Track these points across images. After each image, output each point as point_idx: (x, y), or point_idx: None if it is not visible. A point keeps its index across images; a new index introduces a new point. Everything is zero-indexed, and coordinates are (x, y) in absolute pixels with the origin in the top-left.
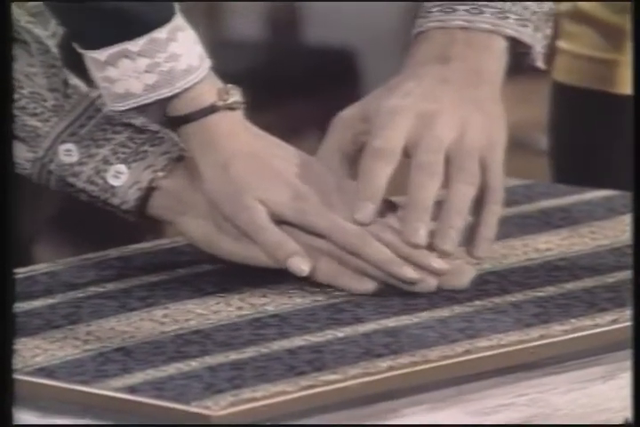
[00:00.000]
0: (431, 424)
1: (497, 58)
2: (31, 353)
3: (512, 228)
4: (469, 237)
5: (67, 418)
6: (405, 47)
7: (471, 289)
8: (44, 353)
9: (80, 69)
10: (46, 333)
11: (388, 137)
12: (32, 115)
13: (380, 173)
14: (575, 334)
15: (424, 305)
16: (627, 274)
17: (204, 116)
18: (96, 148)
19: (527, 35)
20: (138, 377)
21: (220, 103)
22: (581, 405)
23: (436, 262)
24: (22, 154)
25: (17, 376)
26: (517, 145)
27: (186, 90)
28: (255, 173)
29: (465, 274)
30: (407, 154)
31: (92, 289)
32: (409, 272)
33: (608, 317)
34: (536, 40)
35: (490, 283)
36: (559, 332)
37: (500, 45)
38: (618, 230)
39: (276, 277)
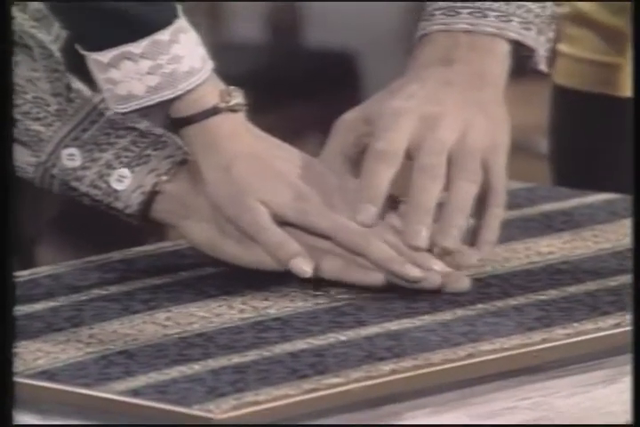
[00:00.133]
0: (433, 425)
1: (500, 61)
2: (33, 356)
3: (514, 231)
4: (472, 240)
5: (69, 421)
6: (406, 50)
7: (473, 292)
8: (47, 356)
9: (83, 72)
10: (48, 335)
11: (391, 139)
12: (35, 119)
13: (383, 176)
14: (578, 338)
15: (426, 308)
16: (629, 278)
17: (207, 118)
18: (99, 152)
19: (531, 38)
20: (141, 380)
21: (223, 105)
22: (584, 408)
23: (437, 265)
24: (25, 158)
25: (19, 379)
26: (518, 148)
27: (188, 92)
28: (257, 175)
29: (465, 277)
30: (410, 156)
31: (95, 292)
32: (411, 271)
33: (610, 320)
34: (539, 43)
35: (492, 286)
36: (562, 336)
37: (504, 49)
38: (620, 234)
39: (278, 279)
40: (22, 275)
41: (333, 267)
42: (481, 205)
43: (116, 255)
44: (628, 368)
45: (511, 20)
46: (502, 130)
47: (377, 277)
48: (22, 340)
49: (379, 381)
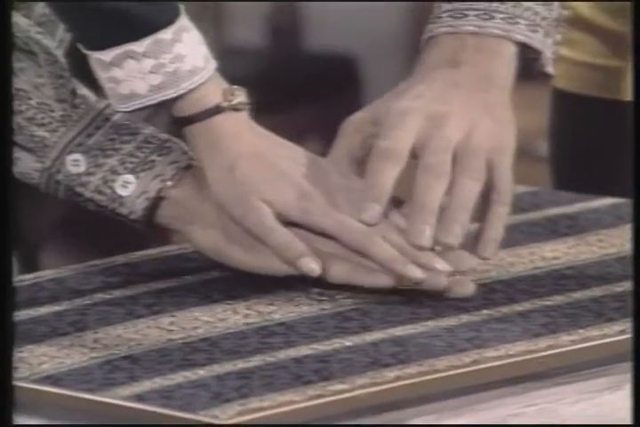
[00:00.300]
0: (435, 425)
1: (507, 63)
2: (38, 361)
3: (519, 236)
4: (476, 239)
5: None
6: (406, 53)
7: (478, 298)
8: (51, 361)
9: (87, 78)
10: (53, 340)
11: (397, 138)
12: (40, 125)
13: (387, 175)
14: (583, 345)
15: (431, 314)
16: None
17: (209, 117)
18: (104, 158)
19: (537, 40)
20: (145, 386)
21: (225, 104)
22: (590, 415)
23: (440, 264)
24: (30, 164)
25: (24, 384)
26: (518, 152)
27: (191, 91)
28: (261, 174)
29: (469, 283)
30: (415, 155)
31: (99, 296)
32: (414, 271)
33: (616, 327)
34: (546, 46)
35: (497, 292)
36: (567, 342)
37: (510, 51)
38: (625, 239)
39: (283, 284)
40: (26, 278)
41: (340, 270)
42: (485, 205)
43: (120, 259)
44: None
45: (518, 23)
46: (508, 132)
47: (384, 280)
48: (27, 344)
49: (384, 387)
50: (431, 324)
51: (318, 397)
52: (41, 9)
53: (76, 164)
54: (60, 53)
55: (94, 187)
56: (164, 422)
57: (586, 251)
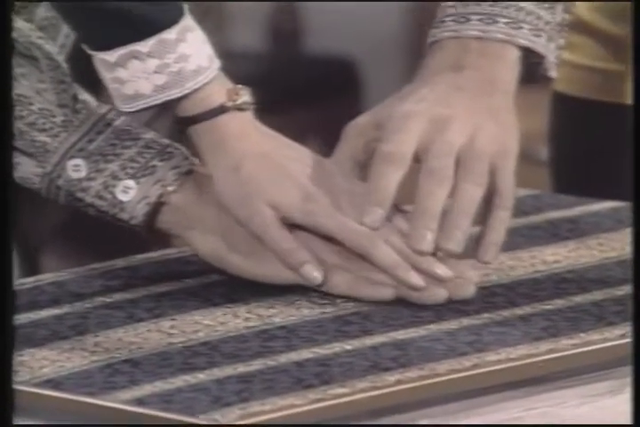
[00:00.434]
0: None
1: (510, 68)
2: (38, 364)
3: (519, 239)
4: (477, 243)
5: None
6: (406, 57)
7: (479, 301)
8: (52, 364)
9: (88, 81)
10: (53, 343)
11: (400, 141)
12: (41, 130)
13: (391, 178)
14: (584, 349)
15: (432, 317)
16: None
17: (214, 117)
18: (105, 163)
19: (541, 45)
20: (146, 389)
21: (230, 104)
22: (591, 419)
23: (441, 269)
24: (31, 169)
25: (24, 388)
26: (518, 155)
27: (195, 90)
28: (266, 175)
29: (470, 284)
30: (418, 159)
31: (99, 299)
32: (414, 278)
33: (617, 331)
34: (549, 50)
35: (497, 295)
36: (568, 346)
37: (514, 55)
38: (625, 242)
39: (283, 287)
40: (26, 282)
41: (341, 282)
42: (487, 209)
43: (120, 262)
44: None
45: (521, 27)
46: (512, 136)
47: (386, 293)
48: (28, 348)
49: (384, 391)
50: (432, 327)
51: (319, 401)
52: (42, 13)
53: (76, 169)
54: (61, 59)
55: (95, 192)
56: (164, 426)
57: (586, 254)
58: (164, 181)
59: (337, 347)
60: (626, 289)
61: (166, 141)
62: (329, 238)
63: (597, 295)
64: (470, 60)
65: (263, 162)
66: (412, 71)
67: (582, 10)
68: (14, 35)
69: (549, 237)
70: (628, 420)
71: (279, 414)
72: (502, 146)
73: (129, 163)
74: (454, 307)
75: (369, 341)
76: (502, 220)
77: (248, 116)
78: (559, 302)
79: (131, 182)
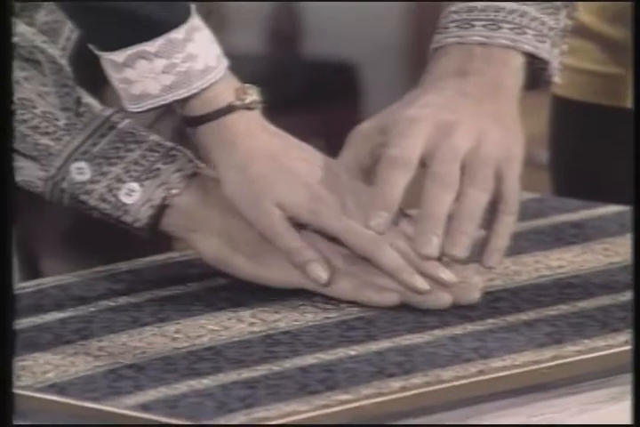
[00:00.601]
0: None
1: (514, 73)
2: (42, 369)
3: (524, 243)
4: (481, 248)
5: None
6: (406, 59)
7: (483, 307)
8: (56, 369)
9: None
10: (57, 348)
11: (406, 146)
12: (44, 134)
13: (396, 182)
14: (589, 355)
15: (436, 323)
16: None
17: (222, 116)
18: (108, 166)
19: (544, 50)
20: (150, 395)
21: (238, 103)
22: (594, 426)
23: (445, 274)
24: (34, 173)
25: (27, 393)
26: None
27: (203, 90)
28: (273, 175)
29: (475, 289)
30: (424, 163)
31: (104, 303)
32: (419, 282)
33: (621, 337)
34: (553, 56)
35: (502, 300)
36: (572, 353)
37: (518, 61)
38: (630, 247)
39: (288, 292)
40: (29, 285)
41: (347, 287)
42: (492, 214)
43: (124, 266)
44: None
45: (525, 33)
46: (517, 141)
47: (390, 298)
48: (31, 352)
49: (389, 397)
50: (436, 333)
51: (323, 407)
52: (43, 17)
53: (80, 172)
54: (64, 62)
55: (99, 195)
56: None
57: (591, 259)
58: (167, 183)
59: (341, 352)
60: (631, 294)
61: (170, 144)
62: (334, 239)
63: (602, 301)
64: (475, 66)
65: (271, 161)
66: (412, 75)
67: (582, 14)
68: (17, 39)
69: (554, 241)
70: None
71: (284, 420)
72: (507, 151)
73: (133, 166)
74: (458, 312)
75: (373, 346)
76: (507, 225)
77: (256, 116)
78: (564, 308)
79: (135, 185)
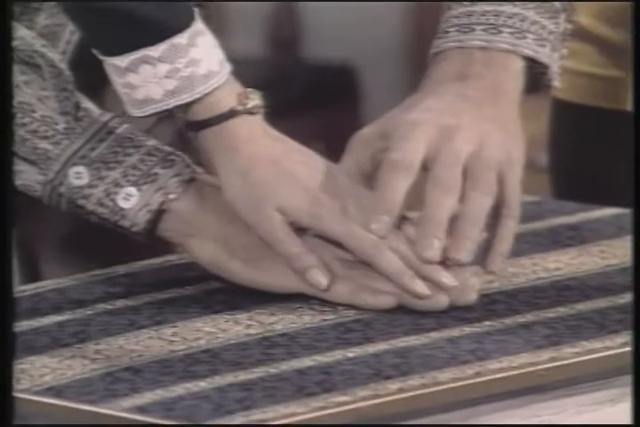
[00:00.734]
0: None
1: (514, 77)
2: (39, 372)
3: (521, 246)
4: (484, 252)
5: None
6: (405, 63)
7: (480, 309)
8: (53, 372)
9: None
10: (55, 351)
11: (407, 149)
12: (43, 138)
13: (398, 186)
14: (586, 357)
15: (433, 325)
16: None
17: (224, 121)
18: (106, 170)
19: (544, 55)
20: (147, 397)
21: (240, 108)
22: (596, 425)
23: (446, 278)
24: (33, 177)
25: (25, 396)
26: None
27: (206, 95)
28: (274, 180)
29: (472, 290)
30: (425, 167)
31: (101, 306)
32: (420, 286)
33: (619, 339)
34: (553, 60)
35: (499, 303)
36: (570, 354)
37: (518, 65)
38: (627, 249)
39: (284, 295)
40: (27, 289)
41: (344, 291)
42: (494, 217)
43: (122, 269)
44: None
45: (525, 37)
46: (518, 145)
47: (387, 301)
48: (29, 355)
49: (386, 399)
50: (433, 335)
51: (320, 409)
52: (43, 20)
53: (78, 176)
54: (63, 66)
55: (96, 199)
56: None
57: (588, 262)
58: (165, 188)
59: (338, 354)
60: (628, 297)
61: (168, 149)
62: (336, 243)
63: (599, 303)
64: (475, 70)
65: (273, 166)
66: (412, 78)
67: (582, 17)
68: (17, 43)
69: (551, 243)
70: None
71: (281, 422)
72: (509, 155)
73: (131, 170)
74: (456, 314)
75: (370, 348)
76: (510, 229)
77: (258, 120)
78: (561, 310)
79: (132, 190)
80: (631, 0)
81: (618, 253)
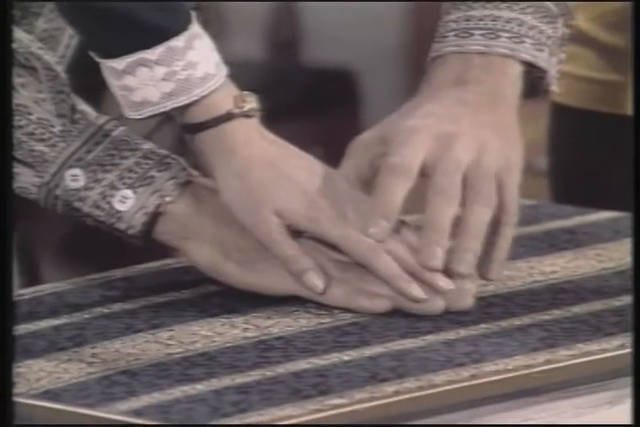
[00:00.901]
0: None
1: (513, 82)
2: (36, 376)
3: (517, 249)
4: (481, 259)
5: None
6: (405, 66)
7: (476, 312)
8: (49, 376)
9: (87, 92)
10: (51, 355)
11: (406, 154)
12: (39, 140)
13: (396, 191)
14: (582, 360)
15: (430, 328)
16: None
17: (221, 124)
18: (103, 173)
19: (542, 59)
20: (143, 400)
21: (237, 111)
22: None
23: (443, 282)
24: (29, 179)
25: (21, 400)
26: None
27: (203, 97)
28: (271, 182)
29: (468, 295)
30: (424, 173)
31: (98, 310)
32: (416, 290)
33: (615, 341)
34: (551, 64)
35: (495, 306)
36: (566, 357)
37: (516, 70)
38: (623, 253)
39: (280, 298)
40: (25, 293)
41: (339, 294)
42: (492, 223)
43: (119, 273)
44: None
45: (524, 42)
46: (516, 150)
47: (382, 305)
48: (25, 359)
49: (382, 402)
50: (429, 338)
51: (317, 411)
52: (42, 24)
53: (74, 179)
54: (60, 69)
55: (92, 202)
56: None
57: (584, 265)
58: (161, 191)
59: (335, 357)
60: (624, 300)
61: (164, 152)
62: (331, 246)
63: (595, 306)
64: (473, 75)
65: (270, 169)
66: (411, 81)
67: (581, 21)
68: (14, 46)
69: (547, 247)
70: None
71: (277, 424)
72: (507, 160)
73: (127, 173)
74: (452, 318)
75: (367, 351)
76: (507, 237)
77: (255, 123)
78: (557, 313)
79: (128, 192)
80: (631, 0)
81: (614, 256)
